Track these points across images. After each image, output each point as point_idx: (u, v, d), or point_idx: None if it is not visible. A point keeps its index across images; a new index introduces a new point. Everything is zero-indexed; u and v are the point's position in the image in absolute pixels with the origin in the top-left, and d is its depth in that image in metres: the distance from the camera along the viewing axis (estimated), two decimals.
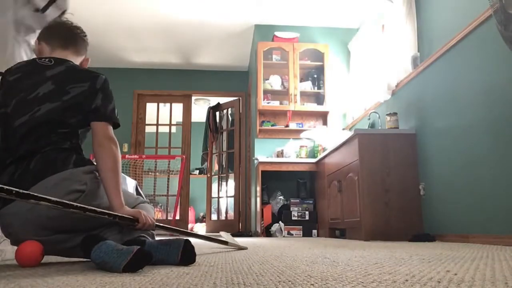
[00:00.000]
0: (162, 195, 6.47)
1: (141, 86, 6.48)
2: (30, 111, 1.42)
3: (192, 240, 1.49)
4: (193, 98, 6.77)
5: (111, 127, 1.52)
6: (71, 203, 1.20)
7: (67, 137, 1.46)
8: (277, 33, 5.13)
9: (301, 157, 4.87)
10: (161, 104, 6.62)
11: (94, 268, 1.22)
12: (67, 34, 1.65)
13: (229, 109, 6.71)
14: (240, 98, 6.58)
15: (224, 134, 6.69)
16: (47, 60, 1.54)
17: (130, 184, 3.00)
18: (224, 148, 6.65)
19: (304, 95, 5.15)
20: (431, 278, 0.92)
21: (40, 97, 1.44)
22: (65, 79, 1.49)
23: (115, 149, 1.46)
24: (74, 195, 1.33)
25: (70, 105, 1.45)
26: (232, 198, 6.36)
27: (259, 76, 5.01)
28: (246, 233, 5.53)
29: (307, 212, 4.58)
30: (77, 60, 1.67)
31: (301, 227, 4.52)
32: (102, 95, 1.53)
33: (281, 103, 5.03)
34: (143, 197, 3.32)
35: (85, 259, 1.44)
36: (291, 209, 4.57)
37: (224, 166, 6.62)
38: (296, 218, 4.55)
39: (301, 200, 4.69)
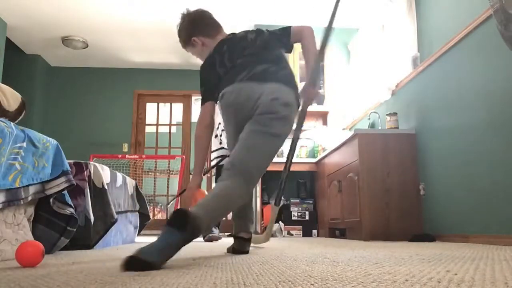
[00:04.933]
0: (162, 195, 6.47)
1: (141, 86, 6.48)
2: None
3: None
4: (193, 98, 6.77)
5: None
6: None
7: None
8: None
9: (301, 157, 4.87)
10: (161, 104, 6.62)
11: (94, 268, 1.22)
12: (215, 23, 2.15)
13: None
14: None
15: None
16: (238, 35, 2.03)
17: (130, 184, 3.00)
18: None
19: None
20: (431, 278, 0.92)
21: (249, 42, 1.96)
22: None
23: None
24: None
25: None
26: None
27: None
28: None
29: (307, 212, 4.58)
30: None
31: (301, 227, 4.52)
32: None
33: None
34: (143, 197, 3.33)
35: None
36: (291, 209, 4.57)
37: None
38: (296, 218, 4.55)
39: (301, 200, 4.69)
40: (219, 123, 3.61)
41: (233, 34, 2.05)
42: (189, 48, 2.12)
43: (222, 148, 3.64)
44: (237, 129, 1.81)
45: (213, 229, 3.46)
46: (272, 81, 1.78)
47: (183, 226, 1.23)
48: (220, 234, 3.71)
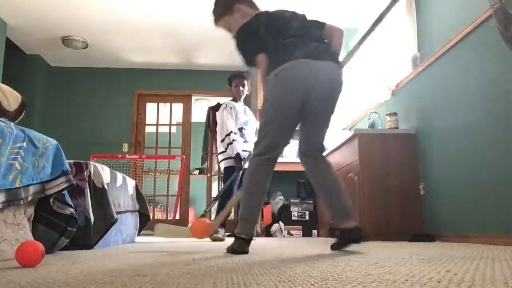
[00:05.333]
0: (162, 195, 6.47)
1: (141, 86, 6.47)
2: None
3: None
4: (193, 98, 6.76)
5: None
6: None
7: None
8: None
9: None
10: (161, 104, 6.61)
11: (94, 268, 1.22)
12: None
13: None
14: None
15: None
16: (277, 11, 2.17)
17: (130, 184, 3.00)
18: None
19: None
20: (431, 278, 0.92)
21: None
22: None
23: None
24: None
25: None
26: None
27: (259, 76, 5.01)
28: None
29: (307, 212, 4.58)
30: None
31: (301, 227, 4.52)
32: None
33: None
34: (143, 197, 3.33)
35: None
36: (291, 209, 4.57)
37: None
38: (296, 218, 4.55)
39: (301, 200, 4.69)
40: (231, 131, 3.66)
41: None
42: (226, 19, 2.17)
43: (228, 156, 3.69)
44: (293, 105, 1.98)
45: (219, 229, 3.46)
46: (325, 59, 1.99)
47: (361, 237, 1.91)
48: (225, 234, 3.73)
